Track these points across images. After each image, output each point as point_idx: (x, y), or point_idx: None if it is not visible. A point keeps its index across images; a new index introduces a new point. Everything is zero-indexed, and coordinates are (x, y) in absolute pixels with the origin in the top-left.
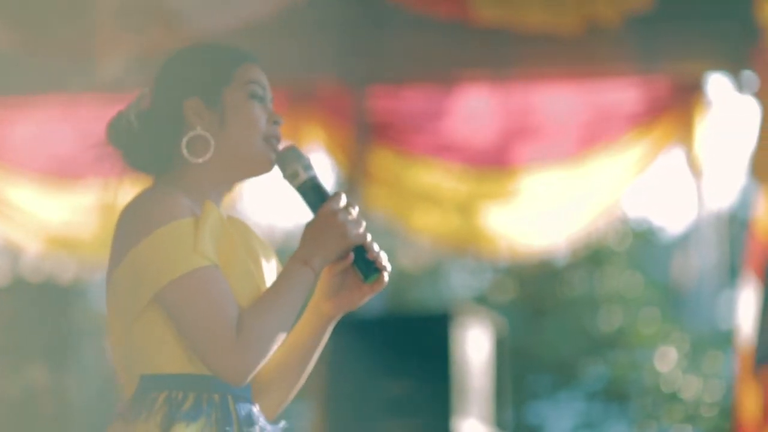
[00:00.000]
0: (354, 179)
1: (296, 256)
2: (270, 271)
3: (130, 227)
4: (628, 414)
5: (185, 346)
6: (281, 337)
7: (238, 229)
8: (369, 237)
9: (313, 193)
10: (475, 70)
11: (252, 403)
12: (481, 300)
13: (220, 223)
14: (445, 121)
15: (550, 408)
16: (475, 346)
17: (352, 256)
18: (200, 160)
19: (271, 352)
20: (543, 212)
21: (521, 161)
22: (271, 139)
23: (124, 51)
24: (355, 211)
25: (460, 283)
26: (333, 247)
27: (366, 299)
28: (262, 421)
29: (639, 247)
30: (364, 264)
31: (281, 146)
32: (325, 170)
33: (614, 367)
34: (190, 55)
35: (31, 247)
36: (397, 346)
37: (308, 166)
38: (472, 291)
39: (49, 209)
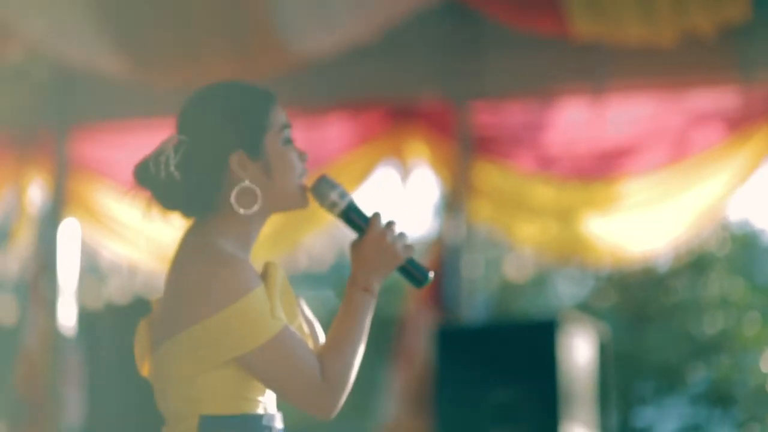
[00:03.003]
0: (457, 193)
1: (356, 283)
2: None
3: (205, 293)
4: (732, 417)
5: (240, 391)
6: (358, 364)
7: (288, 285)
8: (414, 247)
9: (354, 217)
10: (574, 83)
11: None
12: (585, 307)
13: (283, 283)
14: (546, 134)
15: (656, 413)
16: (579, 353)
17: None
18: (249, 212)
19: (353, 379)
20: (644, 220)
21: (621, 171)
22: (303, 177)
23: (230, 76)
24: (396, 227)
25: (564, 292)
26: (388, 268)
27: None
28: None
29: (741, 251)
30: (416, 271)
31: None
32: (429, 185)
33: (718, 371)
34: (223, 100)
35: (145, 265)
36: (503, 354)
37: (344, 194)
38: (575, 299)
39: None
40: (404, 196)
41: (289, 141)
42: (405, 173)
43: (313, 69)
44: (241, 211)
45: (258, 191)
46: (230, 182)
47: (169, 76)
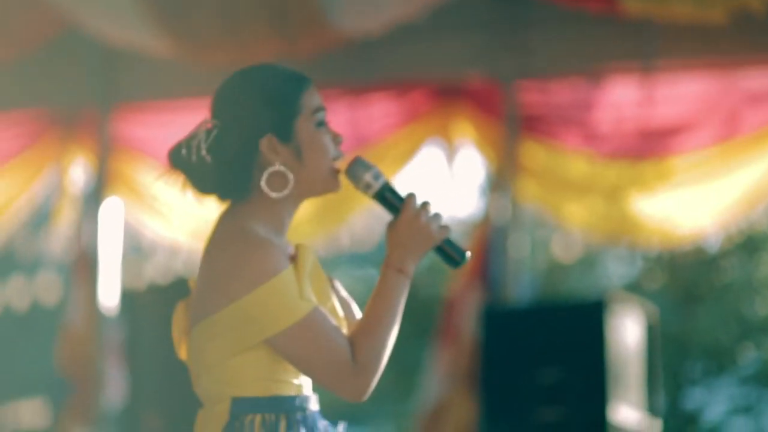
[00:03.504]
0: (504, 173)
1: (390, 264)
2: (337, 303)
3: (235, 275)
4: None
5: (273, 373)
6: (391, 346)
7: (320, 267)
8: (450, 228)
9: (388, 198)
10: (623, 61)
11: (321, 415)
12: (633, 288)
13: (313, 265)
14: (594, 113)
15: (705, 394)
16: (627, 334)
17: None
18: (281, 195)
19: (385, 362)
20: (694, 199)
21: (670, 149)
22: (338, 160)
23: (274, 56)
24: (431, 206)
25: (612, 272)
26: (422, 248)
27: None
28: (333, 427)
29: None
30: (452, 251)
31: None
32: (475, 165)
33: None
34: (254, 83)
35: (187, 244)
36: (550, 334)
37: (378, 174)
38: (623, 279)
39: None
40: (450, 176)
41: (322, 124)
42: (451, 153)
43: (358, 48)
44: (272, 194)
45: (289, 175)
46: (261, 166)
47: (212, 56)
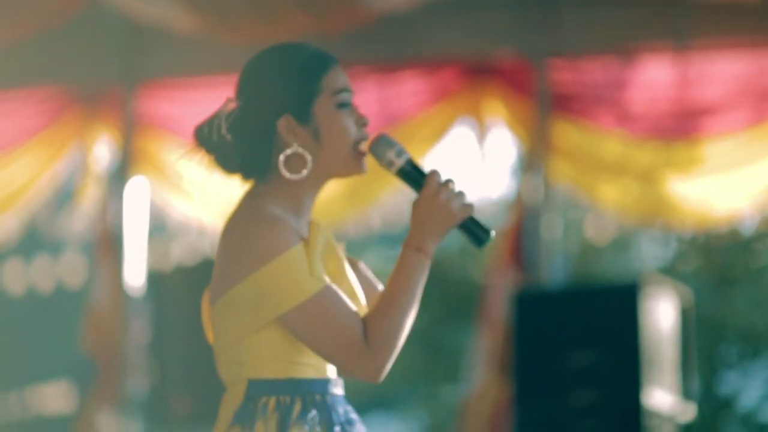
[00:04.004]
0: (536, 153)
1: (409, 243)
2: (358, 284)
3: (246, 252)
4: None
5: (289, 355)
6: (408, 328)
7: (336, 246)
8: (473, 206)
9: (412, 175)
10: (656, 40)
11: (345, 400)
12: (668, 270)
13: (326, 245)
14: (627, 93)
15: (740, 378)
16: (662, 317)
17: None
18: (297, 177)
19: (401, 343)
20: (729, 181)
21: (704, 130)
22: (361, 143)
23: (302, 33)
24: (454, 184)
25: (646, 254)
26: (442, 227)
27: None
28: (355, 416)
29: None
30: (476, 230)
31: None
32: (507, 145)
33: None
34: (276, 63)
35: (214, 225)
36: (584, 317)
37: (401, 151)
38: (658, 262)
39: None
40: (481, 156)
41: (344, 105)
42: (481, 133)
43: (388, 25)
44: (289, 176)
45: (307, 156)
46: (280, 147)
47: (239, 33)
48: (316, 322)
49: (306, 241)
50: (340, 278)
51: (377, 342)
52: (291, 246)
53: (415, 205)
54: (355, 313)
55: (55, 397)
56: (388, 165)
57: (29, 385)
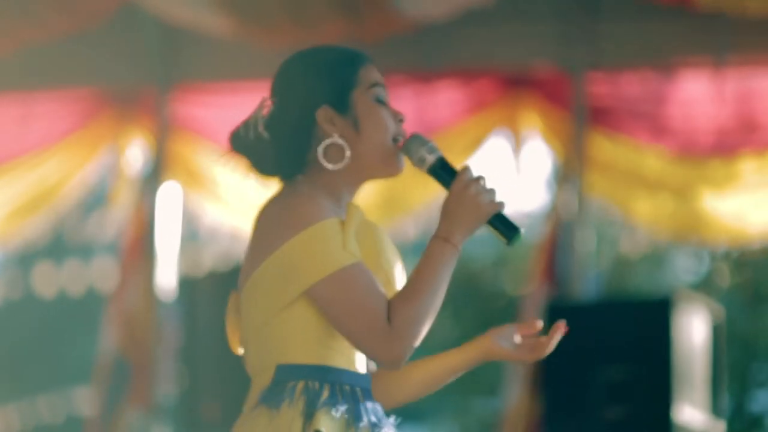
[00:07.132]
0: (571, 166)
1: (437, 234)
2: (400, 275)
3: (277, 226)
4: None
5: (321, 339)
6: (432, 318)
7: (376, 232)
8: (503, 203)
9: (443, 172)
10: (695, 55)
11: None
12: (701, 286)
13: (363, 224)
14: (664, 107)
15: None
16: (694, 334)
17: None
18: (337, 167)
19: (424, 333)
20: (764, 198)
21: (741, 147)
22: (398, 138)
23: (339, 39)
24: (485, 181)
25: (680, 269)
26: (471, 219)
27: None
28: (383, 412)
29: None
30: (505, 226)
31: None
32: (542, 157)
33: None
34: (310, 61)
35: (247, 231)
36: (615, 331)
37: (433, 149)
38: (690, 277)
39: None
40: (516, 167)
41: (380, 99)
42: (517, 144)
43: (425, 34)
44: (329, 166)
45: (346, 147)
46: (319, 138)
47: (275, 38)
48: (342, 297)
49: (341, 219)
50: (377, 263)
51: (399, 326)
52: (324, 217)
53: (445, 200)
54: (383, 295)
55: (84, 401)
56: (420, 162)
57: (60, 389)
